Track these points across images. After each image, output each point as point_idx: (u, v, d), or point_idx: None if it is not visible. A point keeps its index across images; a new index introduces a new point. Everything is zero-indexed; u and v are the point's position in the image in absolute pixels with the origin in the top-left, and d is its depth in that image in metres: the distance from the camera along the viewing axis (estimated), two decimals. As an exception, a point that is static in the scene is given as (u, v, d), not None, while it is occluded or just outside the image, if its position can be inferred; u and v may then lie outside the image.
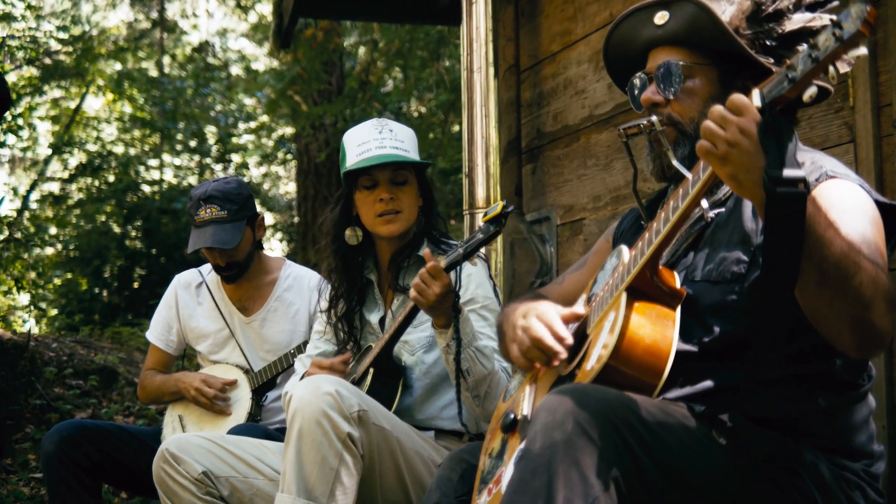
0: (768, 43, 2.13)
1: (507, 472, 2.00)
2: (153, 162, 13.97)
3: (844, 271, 1.75)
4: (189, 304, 4.08)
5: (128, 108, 14.40)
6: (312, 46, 9.99)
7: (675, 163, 2.08)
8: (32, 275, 11.47)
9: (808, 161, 2.07)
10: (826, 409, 2.02)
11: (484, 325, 3.06)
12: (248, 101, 15.71)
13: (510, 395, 2.42)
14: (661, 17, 2.20)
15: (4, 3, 11.17)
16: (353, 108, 10.37)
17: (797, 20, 2.13)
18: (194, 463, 3.01)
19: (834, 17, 1.59)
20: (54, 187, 13.51)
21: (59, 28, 12.59)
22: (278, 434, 3.44)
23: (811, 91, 1.66)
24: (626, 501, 1.79)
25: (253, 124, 15.20)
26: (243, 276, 3.96)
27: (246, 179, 14.29)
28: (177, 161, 14.47)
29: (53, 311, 12.13)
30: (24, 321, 11.01)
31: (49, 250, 12.47)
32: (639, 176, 2.27)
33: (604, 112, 4.26)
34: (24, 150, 13.71)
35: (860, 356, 1.91)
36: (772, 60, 2.11)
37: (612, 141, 4.21)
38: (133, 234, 12.22)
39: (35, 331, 10.28)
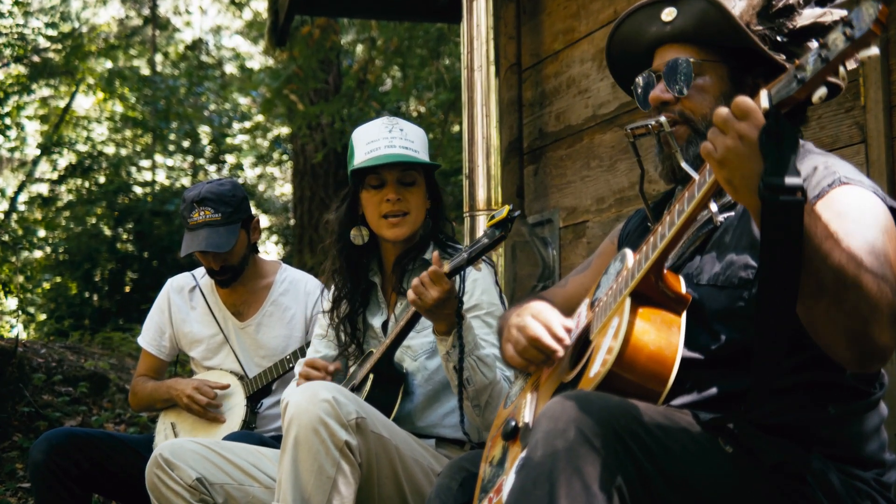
0: (779, 39, 2.14)
1: (509, 480, 2.00)
2: (145, 163, 13.98)
3: (843, 284, 1.74)
4: (182, 309, 4.08)
5: (119, 108, 14.41)
6: (309, 44, 10.00)
7: (683, 165, 2.08)
8: (20, 278, 11.47)
9: (821, 165, 2.07)
10: (836, 417, 2.02)
11: (488, 332, 3.05)
12: (243, 101, 15.73)
13: (511, 401, 2.42)
14: (668, 14, 2.20)
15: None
16: (351, 108, 10.39)
17: (808, 15, 2.14)
18: (188, 469, 3.01)
19: (845, 15, 1.59)
20: (43, 189, 13.51)
21: (47, 25, 12.60)
22: (274, 442, 3.44)
23: (821, 92, 1.66)
24: (630, 511, 1.79)
25: (248, 124, 15.21)
26: (238, 280, 3.96)
27: (241, 181, 14.29)
28: (169, 162, 14.48)
29: (42, 316, 12.13)
30: (12, 326, 11.03)
31: (38, 253, 12.48)
32: (645, 177, 2.27)
33: (607, 112, 4.27)
34: (11, 150, 13.72)
35: (858, 370, 1.90)
36: (783, 57, 2.11)
37: (615, 141, 4.22)
38: (124, 236, 12.22)
39: (23, 336, 10.28)
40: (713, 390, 2.02)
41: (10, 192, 13.36)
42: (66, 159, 13.22)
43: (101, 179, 12.77)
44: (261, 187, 15.87)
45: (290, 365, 3.80)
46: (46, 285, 12.23)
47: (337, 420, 2.68)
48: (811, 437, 1.99)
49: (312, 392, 2.72)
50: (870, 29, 1.53)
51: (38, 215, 12.98)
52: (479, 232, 4.12)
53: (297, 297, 3.99)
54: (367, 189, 3.19)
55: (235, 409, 3.88)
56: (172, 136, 14.09)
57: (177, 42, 15.90)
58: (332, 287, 3.32)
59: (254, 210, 4.11)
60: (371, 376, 3.09)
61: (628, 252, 2.10)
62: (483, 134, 4.20)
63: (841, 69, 1.61)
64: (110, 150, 13.75)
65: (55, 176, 13.07)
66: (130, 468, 3.72)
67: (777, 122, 1.68)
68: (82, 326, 10.87)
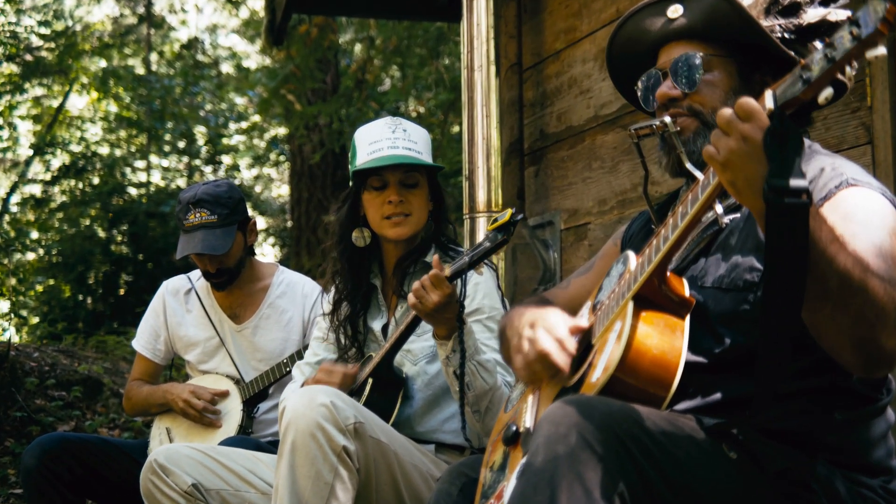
0: (786, 36, 2.14)
1: (510, 486, 2.00)
2: (140, 163, 13.98)
3: (848, 288, 1.74)
4: (177, 312, 4.08)
5: (113, 108, 14.40)
6: (306, 43, 9.99)
7: (688, 165, 2.08)
8: (13, 281, 11.48)
9: (828, 167, 2.07)
10: (842, 423, 2.02)
11: (489, 336, 3.05)
12: (240, 101, 15.74)
13: (512, 405, 2.42)
14: (674, 11, 2.21)
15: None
16: (349, 108, 10.38)
17: (815, 13, 2.14)
18: (184, 475, 3.01)
19: (851, 14, 1.59)
20: (36, 190, 13.52)
21: (40, 23, 12.61)
22: (270, 447, 3.44)
23: (827, 93, 1.65)
24: (633, 517, 1.79)
25: (244, 124, 15.22)
26: (234, 283, 3.96)
27: (237, 182, 14.30)
28: (165, 163, 14.49)
29: (35, 319, 12.13)
30: (4, 329, 11.02)
31: (30, 255, 12.48)
32: (649, 178, 2.27)
33: (610, 112, 4.27)
34: (3, 150, 13.71)
35: (865, 375, 1.89)
36: (791, 54, 2.12)
37: (618, 142, 4.22)
38: (119, 238, 12.22)
39: (15, 339, 10.27)
40: (717, 395, 2.02)
41: (2, 193, 13.36)
42: (59, 160, 13.21)
43: (95, 180, 12.77)
44: (258, 189, 15.89)
45: (287, 369, 3.80)
46: (39, 288, 12.23)
47: (335, 425, 2.68)
48: (816, 444, 1.99)
49: (310, 396, 2.72)
50: (877, 28, 1.52)
51: (31, 217, 12.98)
52: (479, 234, 4.12)
53: (295, 300, 3.99)
54: (368, 190, 3.19)
55: (231, 414, 3.88)
56: (168, 137, 14.09)
57: (172, 41, 15.92)
58: (333, 289, 3.32)
59: (250, 212, 4.10)
60: (370, 380, 3.09)
61: (631, 254, 2.10)
62: (483, 135, 4.20)
63: (848, 70, 1.61)
64: (104, 150, 13.74)
65: (48, 177, 13.07)
66: (125, 474, 3.72)
67: (782, 123, 1.68)
68: (76, 330, 10.86)
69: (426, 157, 3.19)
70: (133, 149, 14.17)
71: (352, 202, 3.25)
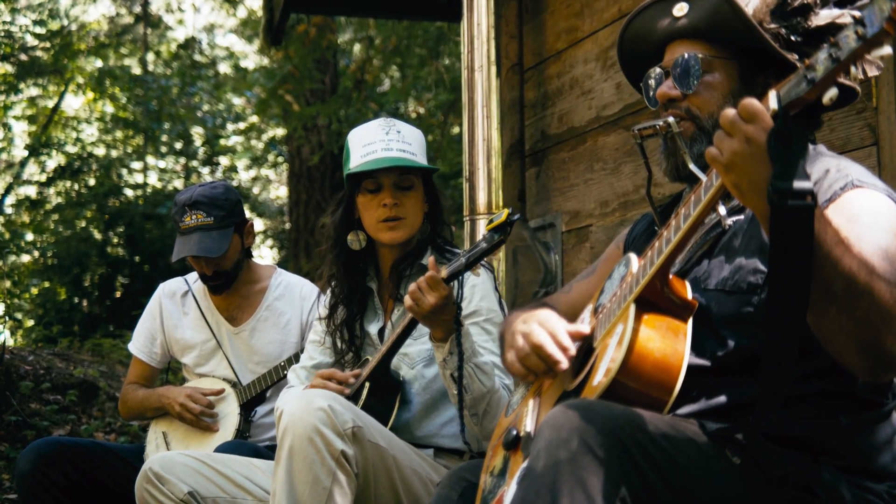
0: (793, 38, 2.13)
1: (510, 491, 2.00)
2: (136, 165, 13.99)
3: (853, 291, 1.74)
4: (174, 315, 4.08)
5: (109, 108, 14.42)
6: (305, 43, 10.01)
7: (691, 166, 2.08)
8: (8, 283, 11.48)
9: (834, 168, 2.06)
10: (847, 428, 2.01)
11: (487, 339, 3.05)
12: (237, 101, 15.75)
13: (512, 409, 2.42)
14: (679, 9, 2.21)
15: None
16: (348, 109, 10.40)
17: (825, 16, 2.13)
18: (179, 483, 3.01)
19: (858, 14, 1.59)
20: (31, 191, 13.51)
21: (35, 22, 12.61)
22: (268, 451, 3.44)
23: (831, 93, 1.65)
24: (635, 522, 1.79)
25: (242, 125, 15.23)
26: (231, 286, 3.96)
27: (234, 183, 14.31)
28: (161, 164, 14.49)
29: (30, 322, 12.12)
30: (-1, 332, 11.01)
31: (25, 258, 12.48)
32: (652, 180, 2.27)
33: (612, 113, 4.27)
34: (-1, 151, 13.74)
35: (870, 379, 1.89)
36: (796, 57, 2.11)
37: (620, 143, 4.22)
38: (115, 240, 12.22)
39: (10, 343, 10.27)
40: (721, 398, 2.01)
41: (-4, 194, 13.38)
42: (54, 161, 13.22)
43: (91, 182, 12.77)
44: (255, 190, 15.89)
45: (285, 372, 3.80)
46: (34, 290, 12.22)
47: (333, 429, 2.68)
48: (821, 448, 1.99)
49: (307, 401, 2.71)
50: (882, 27, 1.52)
51: (26, 218, 12.98)
52: (480, 236, 4.11)
53: (293, 302, 3.99)
54: (363, 193, 3.18)
55: (229, 418, 3.88)
56: (164, 138, 14.10)
57: (169, 41, 15.92)
58: (329, 293, 3.32)
59: (248, 213, 4.10)
60: (367, 385, 3.09)
61: (633, 257, 2.10)
62: (484, 136, 4.20)
63: (854, 70, 1.61)
64: (100, 151, 13.76)
65: (44, 178, 13.08)
66: (120, 478, 3.72)
67: (786, 124, 1.68)
68: (71, 333, 10.86)
69: (421, 159, 3.19)
70: (129, 150, 14.19)
71: (346, 205, 3.25)
